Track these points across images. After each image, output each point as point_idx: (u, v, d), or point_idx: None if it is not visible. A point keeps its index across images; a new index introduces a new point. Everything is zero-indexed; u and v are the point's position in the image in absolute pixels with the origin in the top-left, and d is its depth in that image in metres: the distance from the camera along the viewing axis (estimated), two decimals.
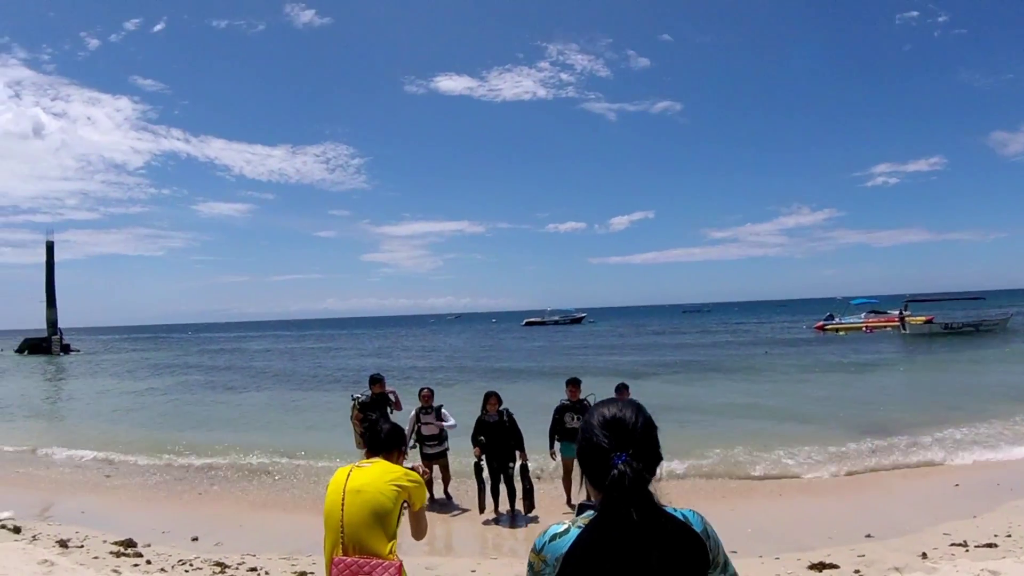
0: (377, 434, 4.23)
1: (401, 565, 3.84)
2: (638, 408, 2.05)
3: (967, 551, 8.05)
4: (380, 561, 3.74)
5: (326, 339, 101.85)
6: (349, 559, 3.75)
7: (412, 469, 4.21)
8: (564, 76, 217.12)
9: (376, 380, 12.52)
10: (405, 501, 3.98)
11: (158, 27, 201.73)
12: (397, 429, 4.36)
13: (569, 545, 1.91)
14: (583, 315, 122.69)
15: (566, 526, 1.97)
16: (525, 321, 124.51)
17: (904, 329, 52.91)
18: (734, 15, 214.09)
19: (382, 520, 3.81)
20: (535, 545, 1.99)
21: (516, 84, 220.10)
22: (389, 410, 12.30)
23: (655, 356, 45.66)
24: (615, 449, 1.91)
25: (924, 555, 7.92)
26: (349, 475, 3.92)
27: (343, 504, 3.80)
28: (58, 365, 59.92)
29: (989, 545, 8.18)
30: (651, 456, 1.98)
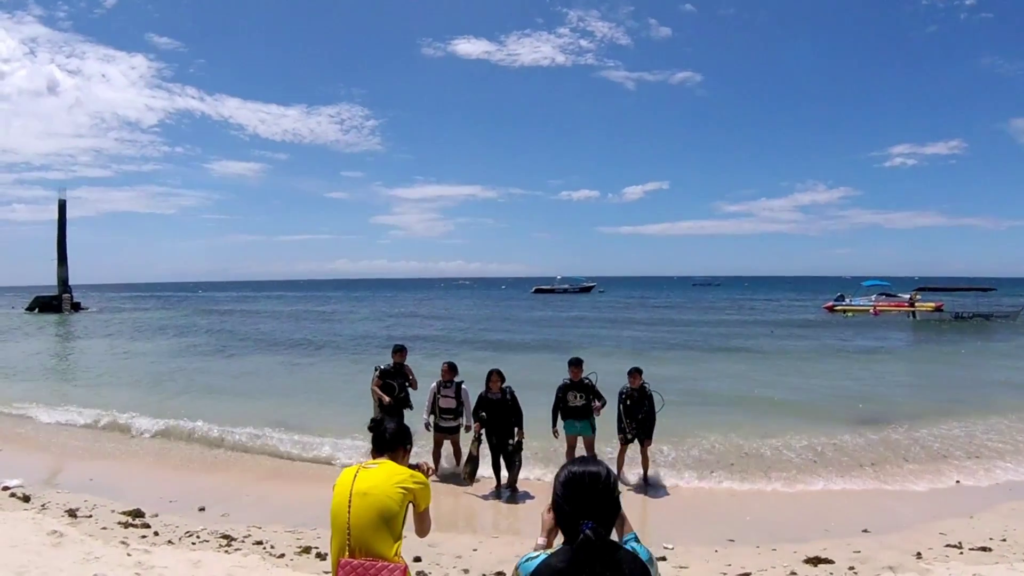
0: (382, 434, 4.27)
1: (406, 567, 3.92)
2: (604, 472, 2.54)
3: (961, 553, 8.15)
4: (386, 564, 3.82)
5: (334, 301, 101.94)
6: (356, 561, 3.83)
7: (417, 468, 4.28)
8: (584, 43, 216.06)
9: (398, 349, 12.82)
10: (411, 502, 4.06)
11: None
12: (402, 428, 4.39)
13: (536, 565, 2.44)
14: (592, 284, 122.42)
15: (538, 554, 2.50)
16: (534, 288, 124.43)
17: (914, 317, 52.68)
18: None
19: (388, 522, 3.88)
20: (516, 566, 2.52)
21: (535, 49, 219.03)
22: (408, 381, 12.62)
23: (659, 331, 45.64)
24: (581, 517, 2.41)
25: (919, 555, 8.01)
26: (356, 476, 3.98)
27: (349, 506, 3.88)
28: (68, 324, 60.35)
29: (983, 548, 8.26)
30: (613, 514, 2.51)
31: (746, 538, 9.17)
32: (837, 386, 22.36)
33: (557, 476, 2.58)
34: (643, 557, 2.52)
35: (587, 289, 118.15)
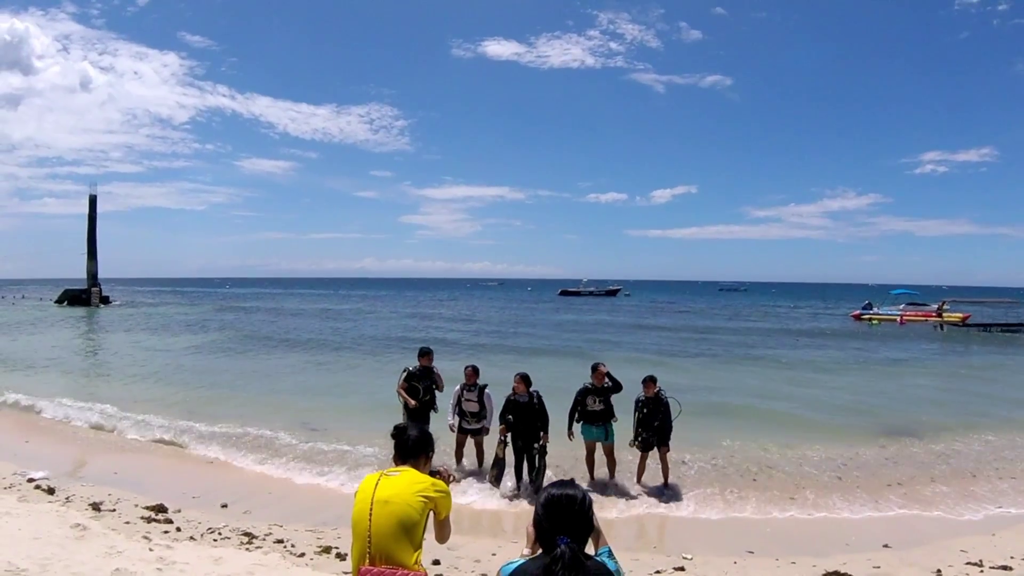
0: (405, 441, 4.27)
1: (426, 575, 3.96)
2: (580, 496, 2.93)
3: (982, 571, 8.06)
4: (406, 572, 3.86)
5: (359, 300, 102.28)
6: (376, 569, 3.85)
7: (438, 474, 4.31)
8: (614, 45, 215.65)
9: (424, 353, 12.84)
10: (431, 510, 4.08)
11: None
12: (424, 435, 4.39)
13: (513, 569, 2.83)
14: (618, 288, 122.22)
15: (518, 560, 2.88)
16: (560, 291, 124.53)
17: (941, 328, 51.94)
18: None
19: (409, 531, 3.90)
20: (498, 569, 2.90)
21: (564, 51, 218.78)
22: (434, 384, 12.67)
23: (683, 337, 45.39)
24: (557, 532, 2.81)
25: (939, 572, 7.94)
26: (377, 484, 4.01)
27: (371, 514, 3.90)
28: (96, 317, 61.11)
29: (1004, 567, 8.16)
30: (586, 532, 2.91)
31: (765, 550, 9.12)
32: (861, 399, 22.11)
33: (538, 498, 3.00)
34: (611, 569, 2.86)
35: (613, 292, 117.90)
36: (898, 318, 59.19)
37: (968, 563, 8.35)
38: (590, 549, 2.95)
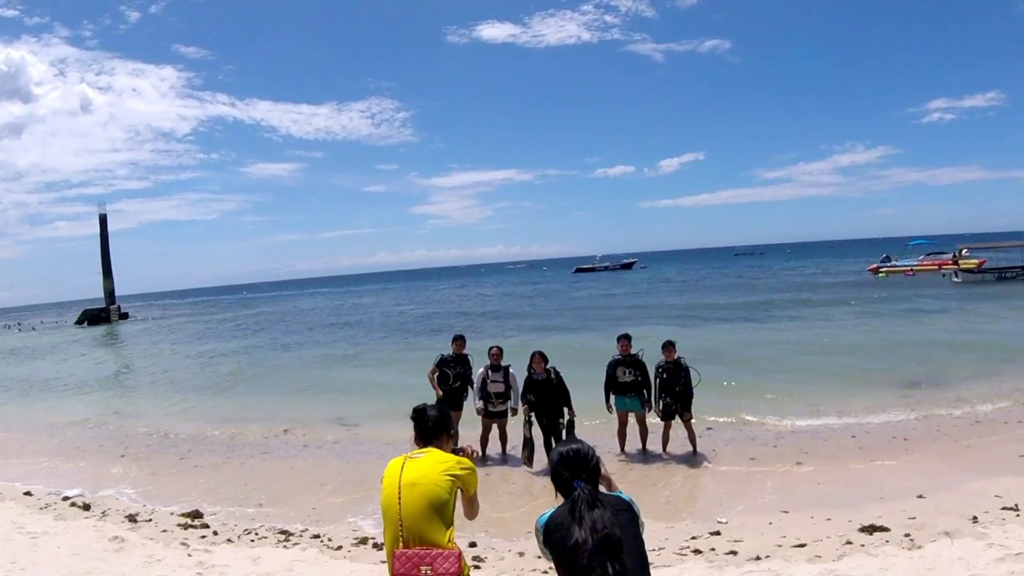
0: (425, 423, 4.29)
1: (460, 553, 3.95)
2: (584, 448, 3.48)
3: (1018, 515, 8.01)
4: (440, 551, 3.87)
5: (377, 293, 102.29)
6: (410, 551, 3.87)
7: (461, 451, 4.32)
8: (608, 18, 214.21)
9: (456, 338, 12.93)
10: (459, 488, 4.10)
11: None
12: (444, 414, 4.41)
13: (547, 516, 3.36)
14: (633, 260, 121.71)
15: (549, 509, 3.38)
16: (575, 268, 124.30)
17: (956, 277, 51.16)
18: None
19: (439, 511, 3.93)
20: (535, 522, 3.44)
21: (560, 28, 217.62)
22: (468, 370, 12.67)
23: (700, 303, 45.53)
24: (573, 477, 3.36)
25: (975, 519, 7.89)
26: (403, 467, 4.03)
27: (399, 498, 3.92)
28: (116, 334, 61.56)
29: None
30: (595, 476, 3.42)
31: (799, 508, 9.12)
32: (881, 347, 22.08)
33: (551, 457, 3.57)
34: (625, 499, 3.44)
35: (628, 266, 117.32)
36: (907, 269, 58.59)
37: (1004, 508, 8.30)
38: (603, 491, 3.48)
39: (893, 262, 61.95)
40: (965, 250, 54.39)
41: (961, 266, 51.89)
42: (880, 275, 58.56)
